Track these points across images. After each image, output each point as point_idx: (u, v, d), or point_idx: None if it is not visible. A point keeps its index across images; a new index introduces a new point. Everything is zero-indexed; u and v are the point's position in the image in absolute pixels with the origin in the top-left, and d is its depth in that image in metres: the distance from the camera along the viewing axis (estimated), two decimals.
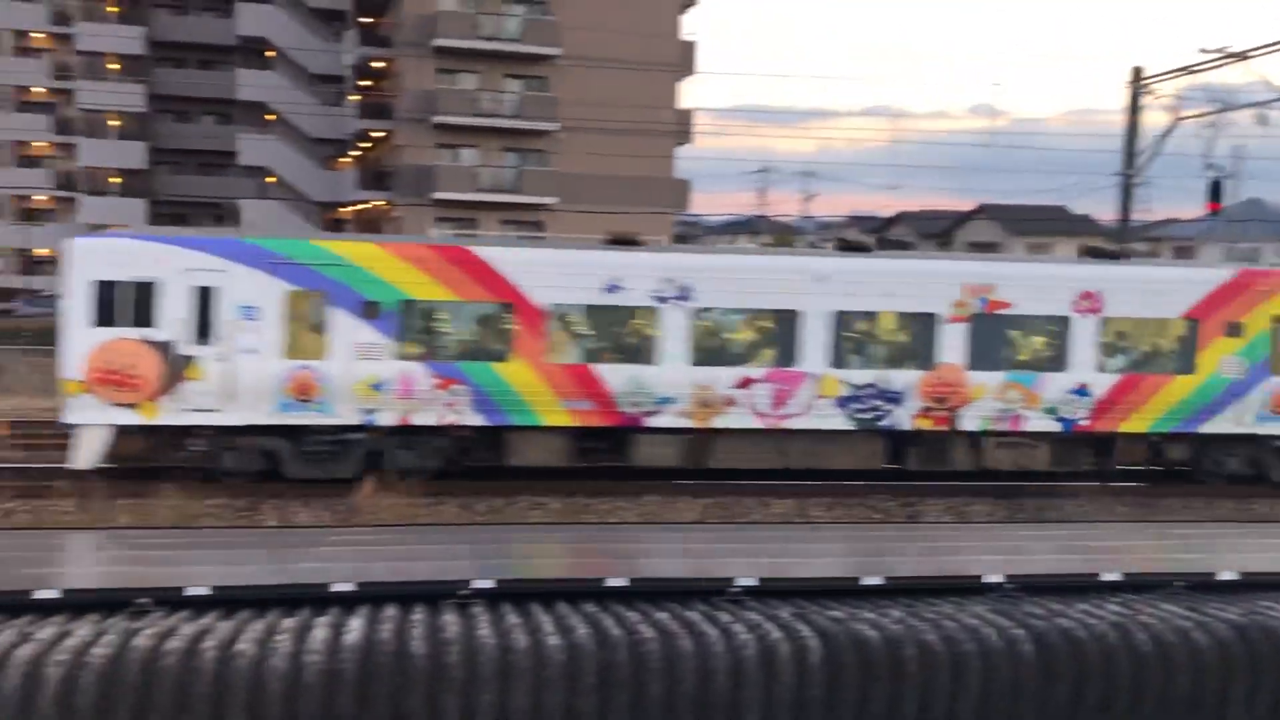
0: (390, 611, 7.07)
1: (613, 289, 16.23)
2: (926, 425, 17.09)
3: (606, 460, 17.08)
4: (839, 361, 16.71)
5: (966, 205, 70.61)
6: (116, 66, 57.07)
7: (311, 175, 53.15)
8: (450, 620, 6.82)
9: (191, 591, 7.20)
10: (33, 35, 59.33)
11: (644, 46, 42.65)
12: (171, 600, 7.18)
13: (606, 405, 16.49)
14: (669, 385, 16.53)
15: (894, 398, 16.81)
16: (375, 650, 6.38)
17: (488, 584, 7.56)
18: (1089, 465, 17.59)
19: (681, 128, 45.13)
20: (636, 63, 42.11)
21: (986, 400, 16.98)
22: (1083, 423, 17.14)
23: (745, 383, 16.58)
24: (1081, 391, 17.03)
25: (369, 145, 50.94)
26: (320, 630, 6.57)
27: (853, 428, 17.03)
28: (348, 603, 7.33)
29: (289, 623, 6.74)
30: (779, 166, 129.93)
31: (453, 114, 42.26)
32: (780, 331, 16.80)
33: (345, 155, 53.62)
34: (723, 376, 16.62)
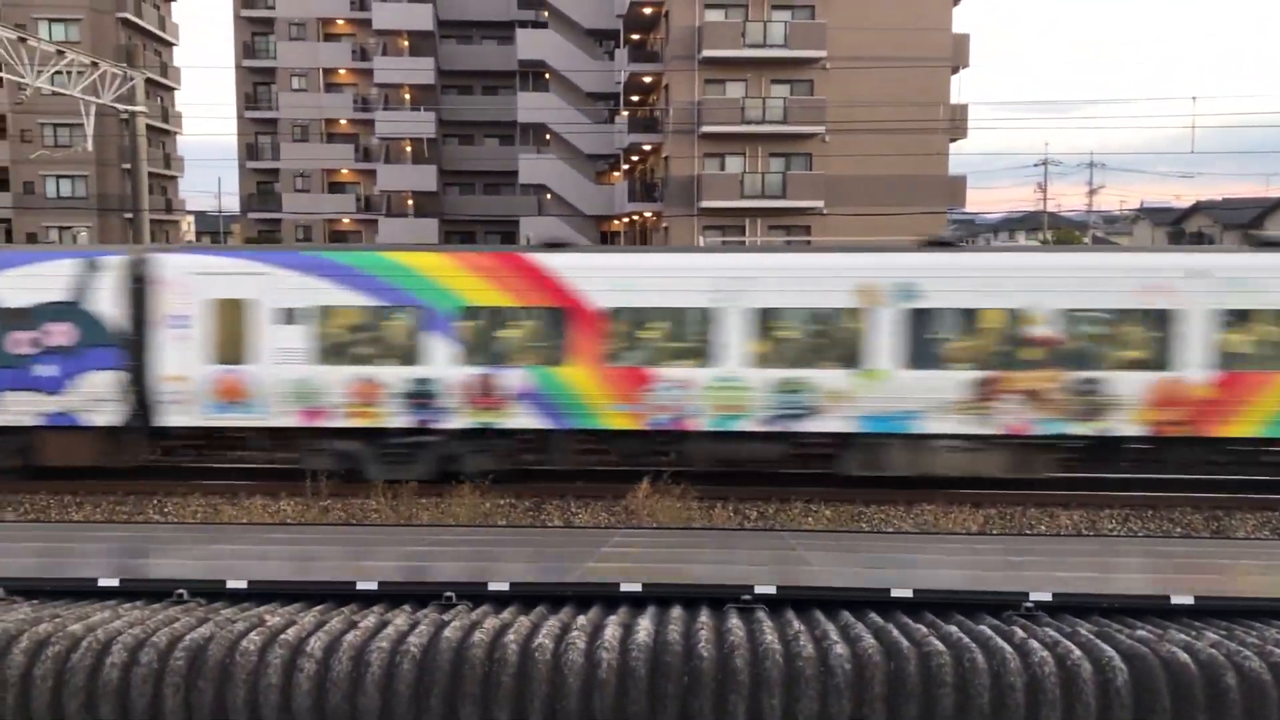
0: (676, 612, 7.24)
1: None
2: None
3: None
4: None
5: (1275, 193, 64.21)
6: (409, 96, 61.53)
7: (585, 190, 55.27)
8: (735, 624, 6.90)
9: (494, 587, 7.66)
10: (339, 72, 64.94)
11: (914, 42, 41.57)
12: (475, 594, 7.65)
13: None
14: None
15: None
16: (664, 650, 6.55)
17: (769, 590, 7.60)
18: None
19: (955, 123, 43.59)
20: (906, 59, 41.09)
21: None
22: None
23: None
24: None
25: (639, 158, 52.37)
26: (611, 628, 6.82)
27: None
28: (635, 602, 7.57)
29: (582, 619, 7.03)
30: (1060, 159, 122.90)
31: (719, 123, 42.74)
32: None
33: (616, 169, 55.40)
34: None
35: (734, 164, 43.23)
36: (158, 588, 7.87)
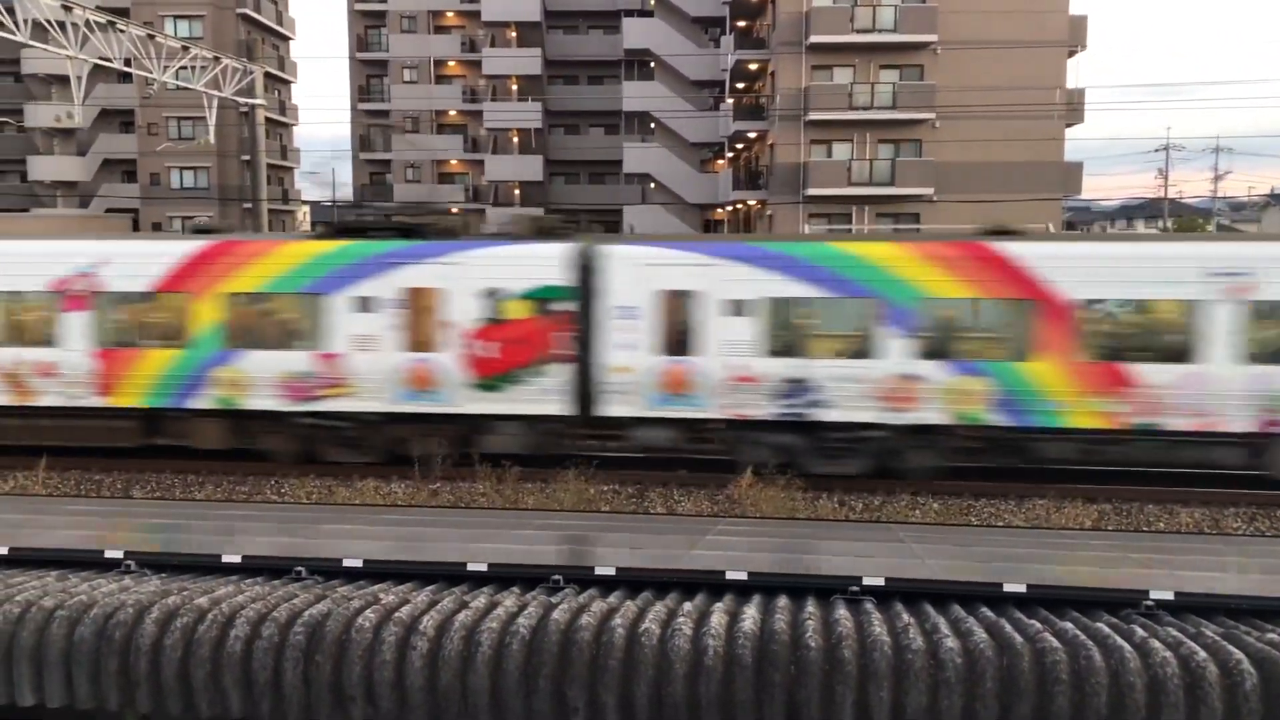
0: (782, 602, 7.21)
1: None
2: None
3: None
4: None
5: None
6: (517, 87, 62.25)
7: (689, 179, 55.20)
8: (843, 615, 6.84)
9: (600, 571, 7.73)
10: (448, 64, 66.01)
11: (1028, 25, 40.44)
12: (581, 578, 7.74)
13: None
14: None
15: None
16: (771, 639, 6.53)
17: (878, 581, 7.50)
18: None
19: (1072, 107, 42.30)
20: (1020, 42, 40.00)
21: None
22: None
23: None
24: None
25: (744, 146, 52.10)
26: (717, 615, 6.82)
27: None
28: (740, 590, 7.56)
29: (688, 606, 7.05)
30: (1183, 143, 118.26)
31: (826, 109, 42.24)
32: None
33: (721, 157, 55.19)
34: None
35: (841, 151, 42.66)
36: (277, 564, 8.14)
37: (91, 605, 7.08)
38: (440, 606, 7.06)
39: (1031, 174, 40.62)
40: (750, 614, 6.85)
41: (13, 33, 22.61)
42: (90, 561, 8.13)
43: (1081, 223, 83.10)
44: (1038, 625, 6.67)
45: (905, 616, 6.83)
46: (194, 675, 6.83)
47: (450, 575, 7.92)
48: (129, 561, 8.06)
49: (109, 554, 8.18)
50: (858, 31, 41.65)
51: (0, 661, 6.96)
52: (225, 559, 8.18)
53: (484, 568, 7.90)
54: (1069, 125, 42.75)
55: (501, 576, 7.86)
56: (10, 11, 22.44)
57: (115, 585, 7.52)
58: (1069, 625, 6.68)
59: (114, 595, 7.24)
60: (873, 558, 9.10)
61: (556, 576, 7.70)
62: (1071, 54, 42.45)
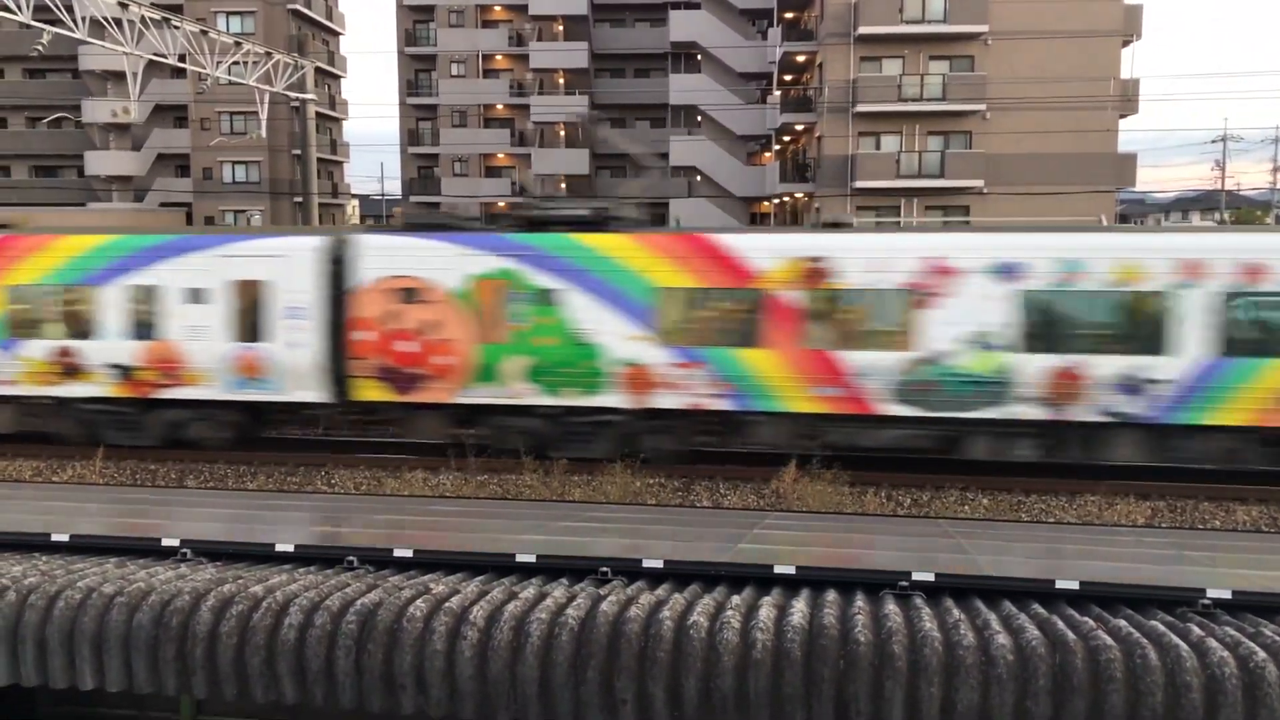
0: (831, 596, 7.18)
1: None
2: None
3: None
4: None
5: None
6: (563, 81, 62.40)
7: (735, 171, 55.04)
8: (892, 610, 6.80)
9: (648, 564, 7.75)
10: (495, 58, 66.27)
11: (1081, 14, 39.85)
12: (629, 570, 7.76)
13: None
14: None
15: None
16: (820, 633, 6.51)
17: (927, 576, 7.45)
18: None
19: (1126, 98, 41.61)
20: (1073, 32, 39.42)
21: None
22: None
23: None
24: None
25: (791, 139, 51.82)
26: (766, 609, 6.81)
27: None
28: (788, 584, 7.54)
29: (736, 599, 7.05)
30: (1241, 134, 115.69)
31: (874, 101, 41.91)
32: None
33: (768, 150, 54.95)
34: None
35: (890, 143, 42.31)
36: (329, 554, 8.24)
37: (149, 592, 7.22)
38: (490, 597, 7.12)
39: (1084, 166, 40.04)
40: (799, 608, 6.83)
41: (72, 30, 23.04)
42: (148, 550, 8.29)
43: (1136, 215, 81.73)
44: (1091, 623, 6.59)
45: (956, 612, 6.77)
46: (249, 662, 6.94)
47: (499, 566, 7.97)
48: (185, 550, 8.21)
49: (166, 542, 8.33)
50: (907, 22, 41.28)
51: (62, 645, 7.12)
52: (278, 548, 8.30)
53: (532, 559, 7.95)
54: (1123, 116, 42.07)
55: (550, 568, 7.90)
56: (69, 9, 22.86)
57: (172, 573, 7.65)
58: (1123, 623, 6.59)
59: (171, 583, 7.37)
60: (921, 553, 9.03)
61: (604, 569, 7.72)
62: (1126, 43, 41.76)
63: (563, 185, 62.66)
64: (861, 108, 41.43)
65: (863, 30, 41.05)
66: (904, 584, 7.36)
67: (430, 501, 13.53)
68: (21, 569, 7.69)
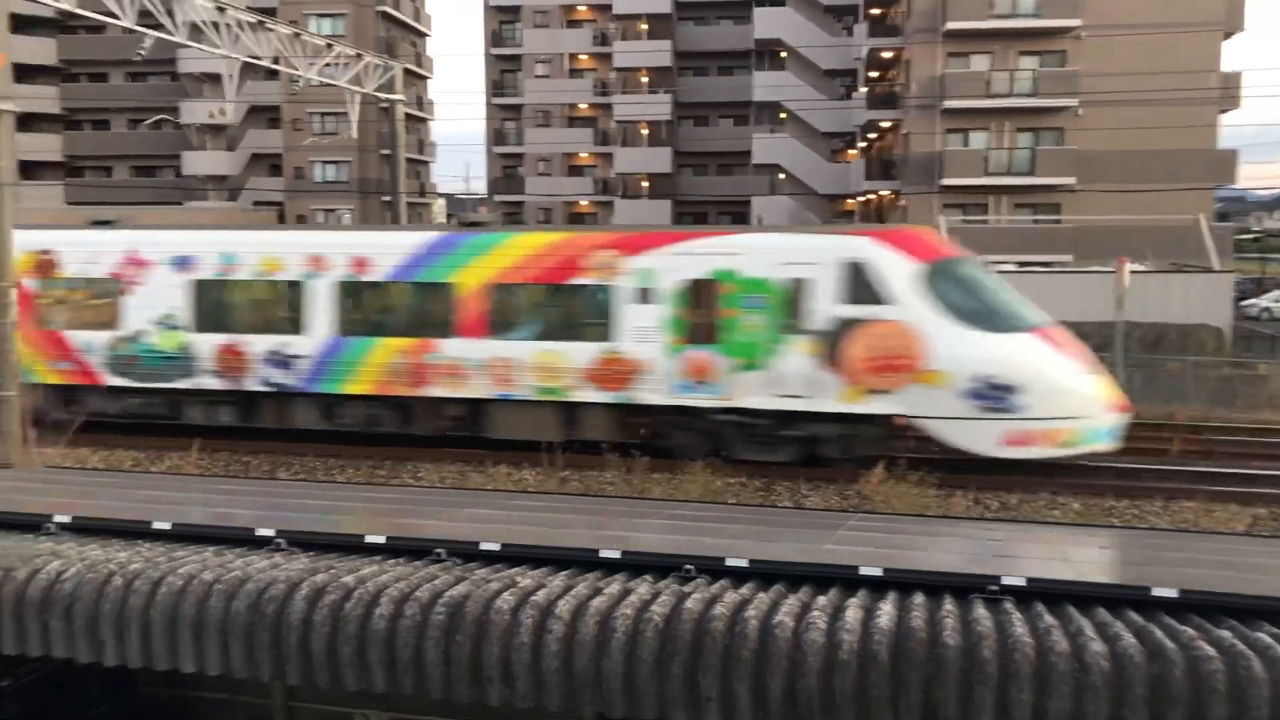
0: (918, 599, 7.08)
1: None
2: None
3: None
4: None
5: None
6: (647, 79, 62.46)
7: (819, 169, 54.57)
8: (981, 614, 6.68)
9: (731, 563, 7.73)
10: (579, 58, 66.65)
11: (1180, 6, 38.67)
12: (713, 569, 7.74)
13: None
14: None
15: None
16: (907, 636, 6.43)
17: (1017, 581, 7.31)
18: None
19: (1226, 92, 40.29)
20: (1171, 26, 38.27)
21: None
22: None
23: None
24: None
25: (876, 136, 51.21)
26: (852, 611, 6.75)
27: None
28: (874, 586, 7.45)
29: (822, 600, 6.99)
30: None
31: (962, 98, 41.22)
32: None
33: (853, 147, 54.35)
34: None
35: (978, 140, 41.58)
36: (417, 546, 8.37)
37: (246, 580, 7.42)
38: (575, 591, 7.17)
39: (1181, 163, 38.87)
40: (886, 610, 6.76)
41: (171, 34, 23.76)
42: (243, 539, 8.51)
43: (1236, 213, 79.10)
44: (1191, 632, 6.40)
45: (1047, 618, 6.64)
46: (340, 650, 7.09)
47: (583, 562, 8.01)
48: (279, 540, 8.41)
49: (260, 532, 8.55)
50: (996, 17, 40.54)
51: (165, 630, 7.36)
52: (368, 539, 8.45)
53: (617, 554, 7.98)
54: (1223, 111, 40.75)
55: (634, 564, 7.92)
56: (170, 14, 23.58)
57: (267, 562, 7.85)
58: (1226, 634, 6.39)
59: (266, 571, 7.57)
60: (1012, 557, 8.86)
61: (689, 566, 7.72)
62: (1228, 36, 40.43)
63: (645, 184, 62.74)
64: (949, 104, 40.78)
65: (951, 25, 40.42)
66: (993, 588, 7.23)
67: (514, 496, 13.67)
68: (127, 555, 7.97)
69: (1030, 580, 7.33)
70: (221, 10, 25.08)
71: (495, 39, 68.01)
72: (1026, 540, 9.84)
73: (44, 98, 63.46)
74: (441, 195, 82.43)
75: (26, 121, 55.02)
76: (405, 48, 63.29)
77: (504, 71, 68.09)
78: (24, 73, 54.12)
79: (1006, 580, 7.32)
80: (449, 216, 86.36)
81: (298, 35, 29.05)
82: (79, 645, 7.55)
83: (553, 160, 65.97)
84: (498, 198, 68.04)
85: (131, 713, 10.61)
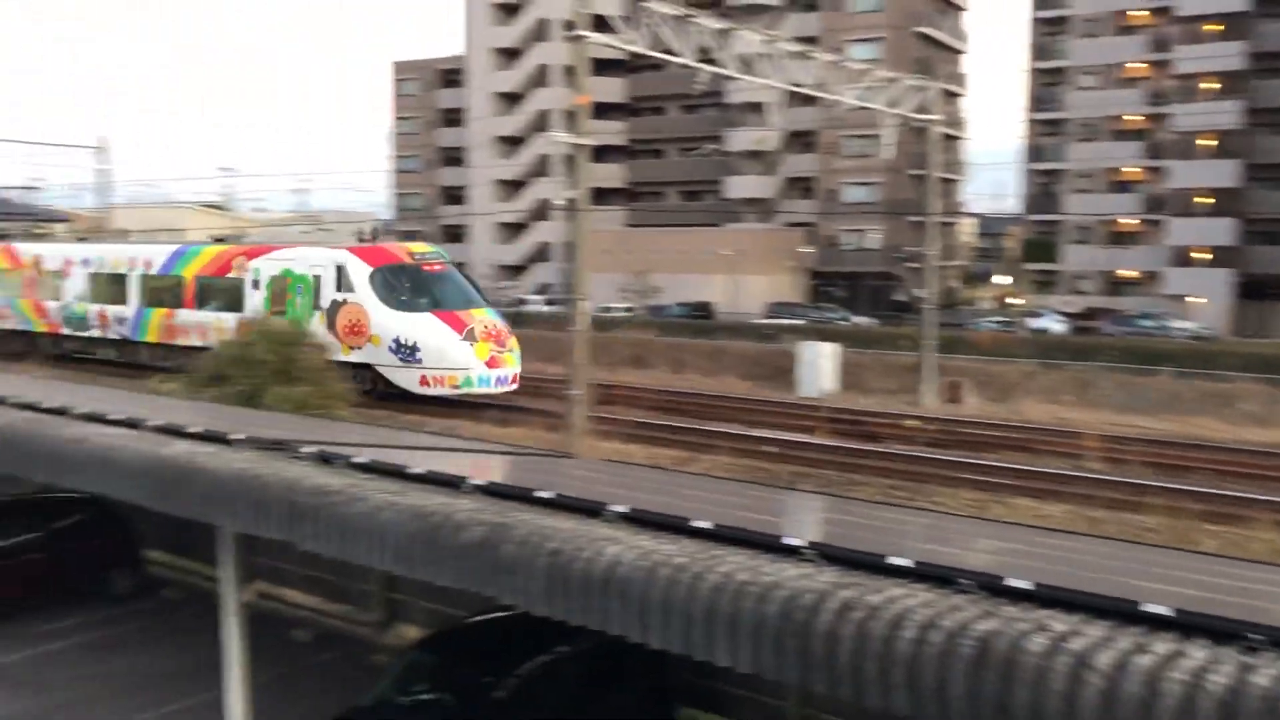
0: None
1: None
2: None
3: None
4: None
5: None
6: (1213, 85, 56.49)
7: None
8: None
9: None
10: (1125, 66, 61.92)
11: None
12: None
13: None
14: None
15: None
16: None
17: None
18: None
19: None
20: None
21: None
22: None
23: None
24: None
25: None
26: None
27: None
28: None
29: None
30: None
31: None
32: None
33: None
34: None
35: None
36: (940, 573, 8.22)
37: (777, 585, 7.75)
38: (1115, 644, 6.63)
39: None
40: None
41: (723, 67, 25.59)
42: (772, 545, 8.91)
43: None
44: None
45: None
46: (863, 667, 7.15)
47: (1123, 613, 7.38)
48: (806, 550, 8.69)
49: (787, 540, 8.89)
50: None
51: (704, 622, 7.92)
52: (890, 560, 8.46)
53: (1167, 611, 7.26)
54: None
55: (1184, 624, 7.15)
56: (722, 49, 25.37)
57: (797, 571, 8.14)
58: None
59: (796, 580, 7.85)
60: None
61: (1258, 636, 6.80)
62: None
63: (1208, 201, 56.66)
64: None
65: None
66: None
67: (1032, 531, 12.96)
68: (672, 548, 8.70)
69: None
70: (769, 42, 26.55)
71: (1039, 52, 65.25)
72: None
73: (613, 132, 71.44)
74: (970, 214, 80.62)
75: (599, 153, 62.40)
76: (942, 67, 62.82)
77: (1045, 85, 65.12)
78: (599, 110, 61.35)
79: None
80: (979, 236, 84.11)
81: (838, 62, 29.93)
82: (631, 625, 8.35)
83: (1093, 176, 61.89)
84: (1033, 216, 65.19)
85: (663, 693, 11.59)
